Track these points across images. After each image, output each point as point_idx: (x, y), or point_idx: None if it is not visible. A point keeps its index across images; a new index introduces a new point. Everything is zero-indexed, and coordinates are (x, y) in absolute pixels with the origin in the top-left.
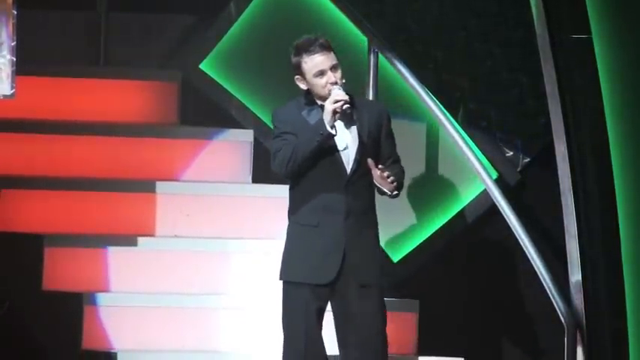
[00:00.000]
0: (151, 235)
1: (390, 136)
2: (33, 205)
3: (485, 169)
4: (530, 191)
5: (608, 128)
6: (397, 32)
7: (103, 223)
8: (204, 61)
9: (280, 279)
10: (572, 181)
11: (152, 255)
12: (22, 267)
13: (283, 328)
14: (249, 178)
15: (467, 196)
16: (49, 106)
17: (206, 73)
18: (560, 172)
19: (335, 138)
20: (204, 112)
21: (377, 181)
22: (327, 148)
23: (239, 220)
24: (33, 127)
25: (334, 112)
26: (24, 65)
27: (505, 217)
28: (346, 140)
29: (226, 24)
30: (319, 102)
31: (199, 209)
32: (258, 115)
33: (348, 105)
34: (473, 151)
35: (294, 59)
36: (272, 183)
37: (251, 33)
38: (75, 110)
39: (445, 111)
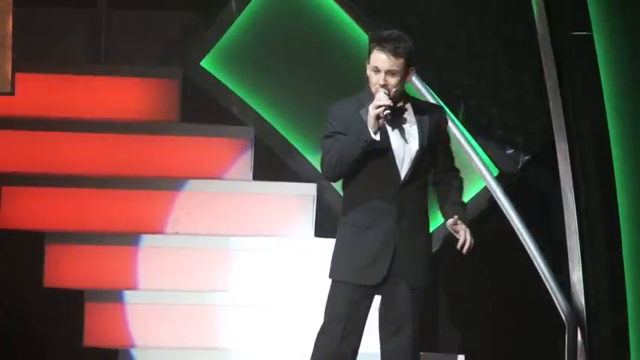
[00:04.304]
0: (152, 232)
1: (448, 140)
2: (34, 202)
3: (486, 166)
4: (531, 188)
5: (609, 125)
6: (398, 29)
7: (103, 220)
8: (205, 58)
9: (329, 277)
10: (573, 178)
11: (153, 252)
12: (23, 264)
13: (324, 318)
14: (250, 175)
15: (468, 193)
16: (49, 104)
17: (207, 71)
18: (560, 169)
19: (391, 137)
20: (205, 109)
21: (455, 230)
22: (382, 149)
23: (240, 217)
24: (34, 125)
25: (377, 117)
26: (25, 62)
27: (506, 213)
28: (403, 141)
29: (227, 21)
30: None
31: (200, 206)
32: (259, 113)
33: (388, 111)
34: (474, 149)
35: (369, 44)
36: (273, 180)
37: (252, 30)
38: (75, 107)
39: (446, 108)
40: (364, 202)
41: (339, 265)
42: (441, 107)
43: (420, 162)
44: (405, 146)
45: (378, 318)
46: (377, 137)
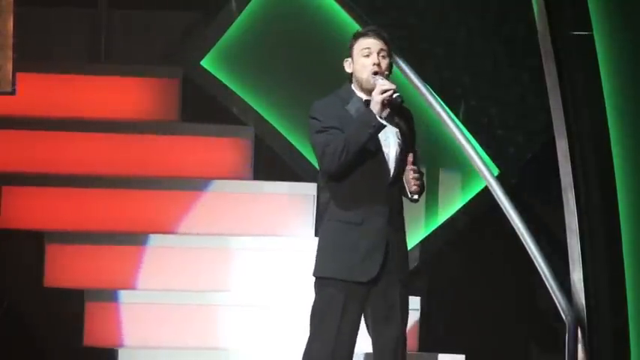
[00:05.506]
0: (152, 232)
1: (415, 140)
2: (34, 201)
3: (486, 165)
4: (532, 188)
5: (609, 124)
6: (398, 29)
7: (103, 220)
8: (206, 57)
9: (315, 275)
10: (574, 178)
11: (153, 252)
12: (23, 264)
13: (312, 323)
14: (251, 175)
15: (468, 193)
16: (49, 103)
17: (207, 70)
18: (561, 169)
19: (380, 137)
20: (205, 108)
21: (405, 179)
22: (374, 148)
23: (240, 217)
24: (34, 124)
25: (383, 102)
26: (26, 62)
27: (506, 213)
28: (387, 141)
29: (227, 21)
30: (358, 93)
31: (201, 206)
32: (260, 112)
33: (398, 94)
34: (474, 148)
35: (350, 43)
36: (273, 180)
37: (252, 30)
38: (75, 107)
39: (446, 108)
40: (356, 200)
41: (331, 262)
42: (411, 113)
43: (401, 161)
44: (390, 146)
45: (365, 319)
46: (383, 121)
